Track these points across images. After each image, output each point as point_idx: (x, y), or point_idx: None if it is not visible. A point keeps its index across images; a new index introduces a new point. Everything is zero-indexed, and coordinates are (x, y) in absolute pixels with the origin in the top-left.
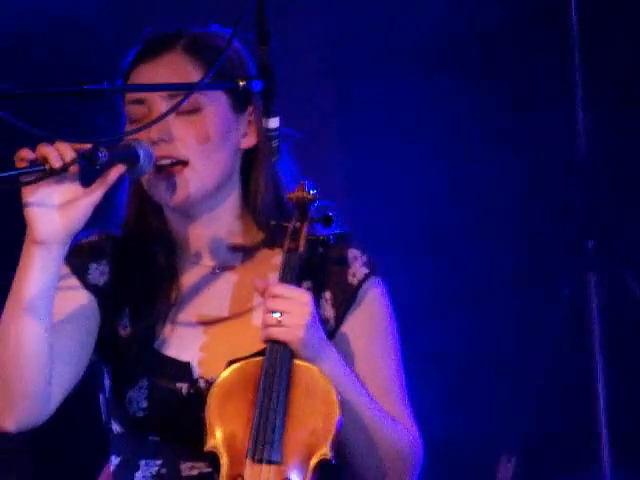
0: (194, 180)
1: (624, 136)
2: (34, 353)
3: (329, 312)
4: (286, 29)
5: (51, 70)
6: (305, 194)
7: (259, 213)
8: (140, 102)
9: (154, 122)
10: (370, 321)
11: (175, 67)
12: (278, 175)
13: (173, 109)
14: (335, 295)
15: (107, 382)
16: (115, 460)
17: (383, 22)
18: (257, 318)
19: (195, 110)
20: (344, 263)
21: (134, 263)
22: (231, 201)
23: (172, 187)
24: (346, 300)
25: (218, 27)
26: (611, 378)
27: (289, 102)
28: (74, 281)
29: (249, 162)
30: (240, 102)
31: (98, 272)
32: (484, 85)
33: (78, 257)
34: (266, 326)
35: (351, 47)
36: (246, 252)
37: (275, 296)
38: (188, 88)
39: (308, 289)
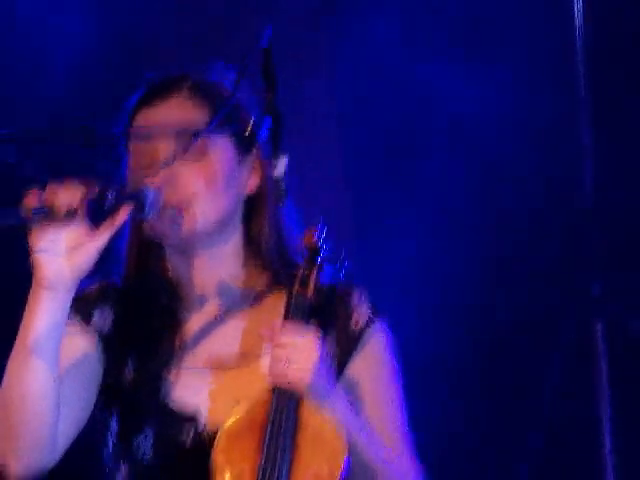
0: (198, 217)
1: (632, 182)
2: (42, 398)
3: (333, 356)
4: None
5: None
6: (315, 239)
7: (263, 257)
8: (147, 145)
9: (162, 166)
10: (373, 365)
11: (181, 110)
12: (281, 219)
13: (180, 154)
14: (339, 339)
15: (114, 426)
16: None
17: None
18: (265, 364)
19: (200, 154)
20: (347, 307)
21: (136, 310)
22: (233, 245)
23: (176, 224)
24: (349, 345)
25: (222, 67)
26: (618, 428)
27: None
28: (77, 327)
29: (250, 207)
30: (245, 145)
31: (102, 318)
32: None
33: (82, 303)
34: (274, 368)
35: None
36: (254, 297)
37: (282, 342)
38: (196, 131)
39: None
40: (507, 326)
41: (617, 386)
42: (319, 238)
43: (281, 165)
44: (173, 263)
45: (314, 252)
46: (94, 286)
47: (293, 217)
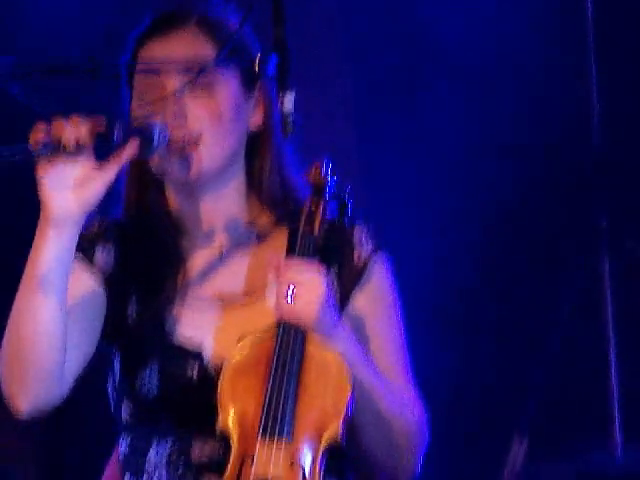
0: (206, 156)
1: (638, 118)
2: (50, 331)
3: (335, 290)
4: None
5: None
6: (322, 175)
7: (265, 194)
8: (153, 79)
9: (168, 98)
10: (377, 298)
11: (188, 43)
12: (284, 156)
13: (188, 84)
14: (341, 273)
15: (117, 365)
16: (124, 448)
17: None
18: (270, 299)
19: (208, 88)
20: (350, 242)
21: (139, 246)
22: (237, 182)
23: (185, 163)
24: (352, 278)
25: (227, 3)
26: (624, 360)
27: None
28: (80, 264)
29: (253, 143)
30: (250, 82)
31: (104, 255)
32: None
33: (83, 241)
34: (279, 303)
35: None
36: (258, 234)
37: (289, 269)
38: (204, 64)
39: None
40: (516, 263)
41: (624, 319)
42: (325, 173)
43: (288, 100)
44: (176, 199)
45: (320, 187)
46: (95, 223)
47: (296, 154)
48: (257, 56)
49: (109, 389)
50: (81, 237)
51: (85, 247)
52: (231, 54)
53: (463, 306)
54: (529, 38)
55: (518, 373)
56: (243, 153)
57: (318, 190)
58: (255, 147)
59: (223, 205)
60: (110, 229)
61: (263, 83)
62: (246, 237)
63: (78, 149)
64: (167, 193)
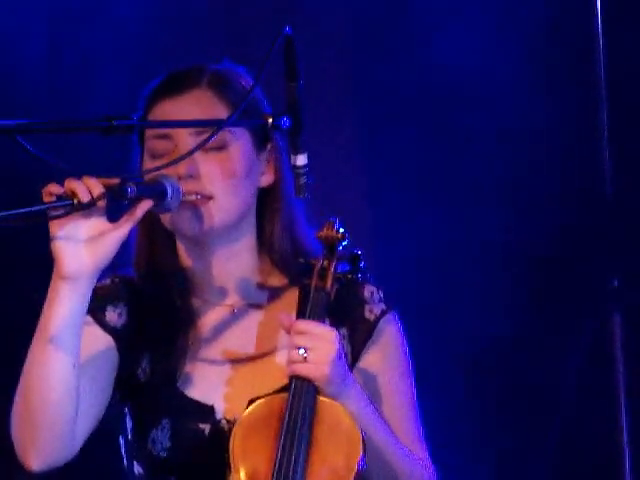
0: (218, 212)
1: None
2: (62, 389)
3: (346, 348)
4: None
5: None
6: (334, 232)
7: (275, 252)
8: (166, 137)
9: (183, 157)
10: (387, 357)
11: (201, 103)
12: (295, 215)
13: (203, 144)
14: (352, 331)
15: (129, 423)
16: None
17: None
18: (281, 357)
19: (221, 147)
20: (361, 299)
21: (150, 304)
22: (248, 239)
23: (197, 218)
24: (363, 336)
25: (235, 65)
26: (636, 420)
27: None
28: (92, 323)
29: (264, 201)
30: (261, 140)
31: (115, 314)
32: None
33: (94, 300)
34: (291, 362)
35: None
36: (269, 292)
37: (301, 332)
38: (218, 124)
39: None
40: (525, 319)
41: (635, 379)
42: (338, 231)
43: (301, 159)
44: (188, 256)
45: (333, 244)
46: (106, 281)
47: (304, 212)
48: (269, 116)
49: (121, 444)
50: (92, 296)
51: (96, 307)
52: (243, 114)
53: (472, 363)
54: (539, 86)
55: (531, 431)
56: (254, 211)
57: (330, 247)
58: (266, 204)
59: (234, 263)
60: (121, 287)
61: (274, 141)
62: (257, 295)
63: (91, 205)
64: (178, 250)
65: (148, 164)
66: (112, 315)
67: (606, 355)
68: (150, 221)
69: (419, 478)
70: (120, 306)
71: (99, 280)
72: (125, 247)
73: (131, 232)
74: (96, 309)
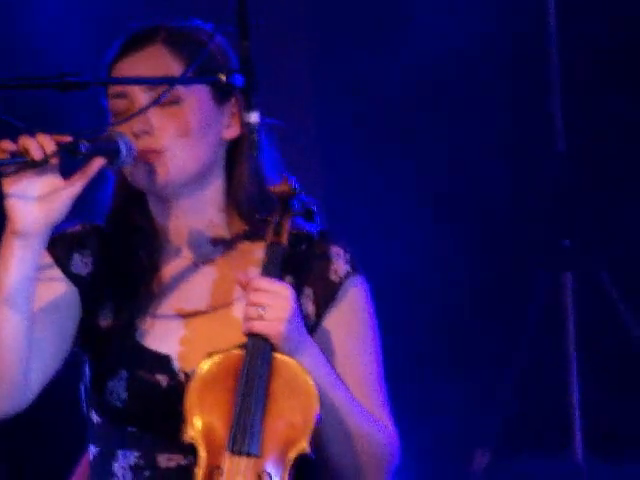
0: (174, 164)
1: (602, 136)
2: (12, 343)
3: (309, 308)
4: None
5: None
6: (288, 188)
7: (242, 205)
8: (122, 96)
9: (134, 115)
10: (350, 318)
11: (155, 60)
12: (261, 167)
13: (154, 103)
14: (316, 291)
15: (87, 372)
16: (94, 450)
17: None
18: (238, 311)
19: (175, 102)
20: (326, 260)
21: (117, 255)
22: (214, 192)
23: (152, 171)
24: (327, 297)
25: (199, 22)
26: (585, 373)
27: (269, 94)
28: (56, 271)
29: (233, 154)
30: (223, 93)
31: (81, 262)
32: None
33: (61, 247)
34: (247, 319)
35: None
36: (227, 245)
37: (257, 289)
38: (169, 81)
39: (290, 284)
40: (481, 277)
41: (585, 337)
42: (291, 186)
43: (253, 117)
44: (153, 211)
45: (286, 199)
46: (77, 227)
47: (273, 166)
48: (222, 73)
49: (81, 392)
50: (60, 241)
51: (62, 254)
52: (200, 69)
53: (427, 320)
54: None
55: (484, 387)
56: (222, 164)
57: (285, 202)
58: (234, 157)
59: (199, 216)
60: (91, 234)
61: (238, 95)
62: (218, 250)
63: (44, 162)
64: (149, 205)
65: (112, 122)
66: (78, 263)
67: (558, 311)
68: (125, 179)
69: (378, 439)
70: (87, 254)
71: (72, 224)
72: (100, 202)
73: (105, 188)
74: (62, 256)
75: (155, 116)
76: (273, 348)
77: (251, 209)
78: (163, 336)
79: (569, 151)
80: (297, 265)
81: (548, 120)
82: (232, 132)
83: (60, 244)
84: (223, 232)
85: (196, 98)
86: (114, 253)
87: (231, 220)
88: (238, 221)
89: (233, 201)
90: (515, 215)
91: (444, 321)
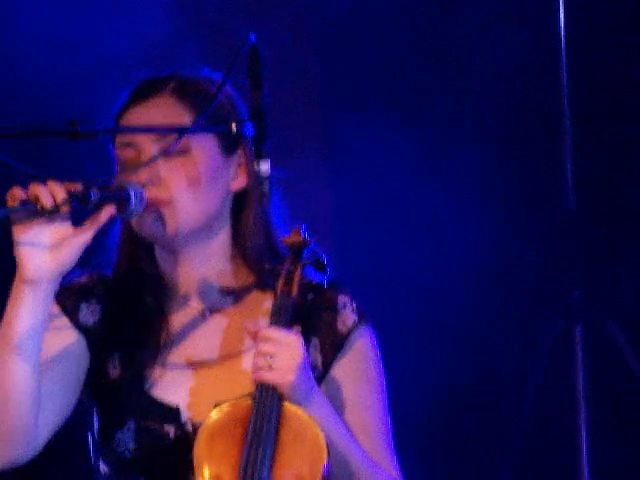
0: (180, 216)
1: (613, 188)
2: (21, 391)
3: (317, 358)
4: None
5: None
6: (300, 238)
7: (250, 255)
8: (130, 145)
9: (144, 165)
10: (358, 369)
11: (164, 110)
12: (269, 217)
13: (163, 152)
14: (323, 341)
15: (95, 421)
16: None
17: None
18: (247, 362)
19: (184, 152)
20: (333, 309)
21: (124, 305)
22: (221, 242)
23: (160, 222)
24: (334, 347)
25: (208, 71)
26: (594, 428)
27: (279, 144)
28: (64, 320)
29: (240, 204)
30: (230, 144)
31: (89, 312)
32: (470, 137)
33: (69, 297)
34: (257, 368)
35: (339, 86)
36: (237, 295)
37: (266, 339)
38: (180, 131)
39: (298, 333)
40: (490, 328)
41: (594, 388)
42: (303, 236)
43: (264, 166)
44: (161, 260)
45: (298, 250)
46: (83, 277)
47: (280, 216)
48: (233, 123)
49: (89, 440)
50: (67, 291)
51: (70, 303)
52: (209, 119)
53: (440, 369)
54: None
55: (492, 436)
56: (228, 214)
57: (296, 252)
58: (240, 208)
59: (206, 266)
60: (98, 284)
61: (245, 145)
62: (227, 300)
63: (54, 210)
64: (156, 254)
65: (118, 172)
66: (85, 313)
67: (566, 363)
68: (132, 228)
69: None
70: (94, 304)
71: (78, 275)
72: (106, 250)
73: (112, 236)
74: (70, 306)
75: (163, 166)
76: (282, 398)
77: (258, 259)
78: (172, 386)
79: (579, 207)
80: (304, 315)
81: (558, 176)
82: (239, 183)
83: (67, 294)
84: (231, 281)
85: (204, 149)
86: (122, 302)
87: (238, 269)
88: (245, 271)
89: (240, 251)
90: (525, 267)
91: (453, 370)
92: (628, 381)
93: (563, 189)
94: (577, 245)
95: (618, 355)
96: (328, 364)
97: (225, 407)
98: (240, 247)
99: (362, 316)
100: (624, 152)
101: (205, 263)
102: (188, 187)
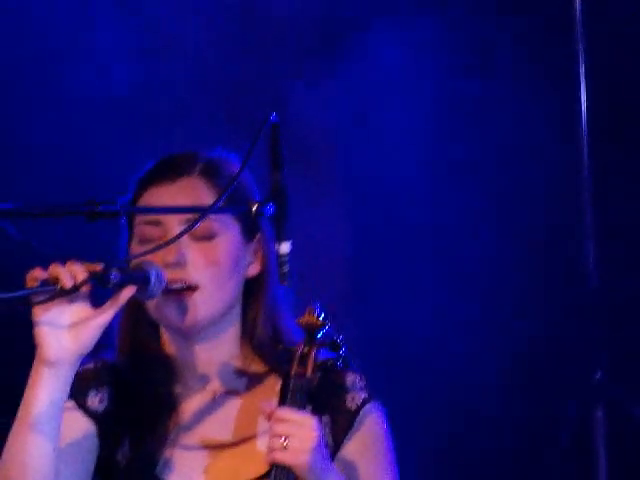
0: (204, 304)
1: (635, 268)
2: (40, 474)
3: (327, 437)
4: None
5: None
6: (315, 319)
7: (256, 340)
8: (156, 224)
9: (168, 244)
10: (369, 446)
11: (193, 191)
12: (278, 302)
13: (187, 230)
14: (333, 420)
15: None
16: None
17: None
18: (261, 445)
19: (210, 237)
20: (342, 387)
21: (132, 390)
22: (233, 328)
23: (182, 310)
24: (345, 425)
25: (231, 153)
26: None
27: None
28: (73, 407)
29: (249, 290)
30: (249, 230)
31: (97, 399)
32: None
33: (77, 384)
34: (272, 450)
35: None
36: (251, 378)
37: (281, 420)
38: (203, 210)
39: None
40: (511, 409)
41: (617, 472)
42: (317, 317)
43: (285, 247)
44: (171, 343)
45: (313, 331)
46: (89, 365)
47: (289, 301)
48: (254, 203)
49: None
50: (75, 379)
51: (78, 391)
52: (231, 202)
53: (460, 450)
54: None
55: None
56: (240, 300)
57: (311, 333)
58: (251, 294)
59: (218, 351)
60: (104, 371)
61: (262, 232)
62: (238, 382)
63: (74, 291)
64: (162, 337)
65: (135, 249)
66: (94, 400)
67: (588, 446)
68: (134, 306)
69: None
70: (102, 391)
71: (83, 363)
72: (109, 329)
73: (115, 315)
74: (78, 393)
75: (189, 249)
76: (297, 479)
77: (266, 345)
78: (184, 470)
79: (601, 286)
80: (314, 393)
81: (580, 255)
82: (254, 270)
83: (75, 382)
84: (242, 364)
85: (229, 234)
86: (130, 388)
87: (247, 354)
88: (252, 356)
89: (248, 337)
90: (547, 347)
91: (472, 450)
92: None
93: (585, 268)
94: (598, 327)
95: None
96: (339, 442)
97: None
98: (247, 332)
99: (371, 393)
100: None
101: (217, 347)
102: (212, 272)
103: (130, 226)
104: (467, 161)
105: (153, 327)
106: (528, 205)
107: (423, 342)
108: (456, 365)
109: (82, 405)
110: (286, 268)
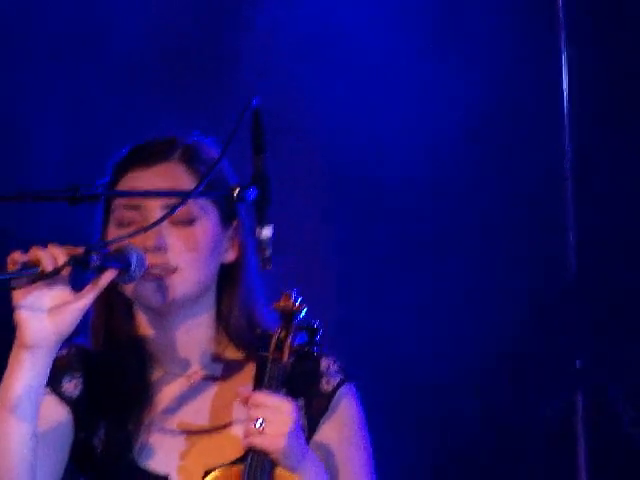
0: (180, 285)
1: (615, 257)
2: (19, 457)
3: (303, 420)
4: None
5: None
6: (291, 304)
7: (231, 326)
8: (136, 208)
9: (148, 228)
10: (343, 430)
11: (172, 176)
12: (252, 291)
13: (167, 215)
14: (309, 403)
15: None
16: None
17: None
18: (237, 429)
19: (189, 221)
20: (317, 371)
21: (106, 374)
22: (207, 313)
23: (160, 289)
24: (320, 408)
25: (210, 138)
26: None
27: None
28: (48, 393)
29: (225, 277)
30: (227, 217)
31: (71, 385)
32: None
33: (51, 370)
34: (248, 434)
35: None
36: (227, 363)
37: (258, 404)
38: (183, 195)
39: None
40: (491, 397)
41: (596, 457)
42: (294, 302)
43: (267, 232)
44: (147, 326)
45: (289, 316)
46: (62, 351)
47: (264, 289)
48: (235, 188)
49: None
50: None
51: (52, 377)
52: (211, 187)
53: (438, 434)
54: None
55: None
56: (215, 286)
57: (287, 318)
58: (226, 280)
59: (193, 335)
60: (78, 357)
61: (240, 218)
62: (214, 367)
63: (55, 274)
64: (136, 319)
65: (113, 232)
66: (68, 386)
67: (568, 433)
68: (108, 289)
69: None
70: (76, 376)
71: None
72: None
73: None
74: (53, 379)
75: (169, 234)
76: (273, 463)
77: (240, 330)
78: (161, 453)
79: (580, 275)
80: (289, 377)
81: (560, 245)
82: (229, 256)
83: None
84: (217, 349)
85: (208, 219)
86: (104, 373)
87: (220, 339)
88: (227, 341)
89: (223, 322)
90: (530, 336)
91: (453, 438)
92: (630, 451)
93: (565, 258)
94: (579, 315)
95: (619, 423)
96: (315, 425)
97: (216, 473)
98: (222, 318)
99: (345, 375)
100: (627, 220)
101: (191, 331)
102: (190, 256)
103: (107, 209)
104: (451, 152)
105: (127, 309)
106: (509, 198)
107: (410, 335)
108: (440, 353)
109: (56, 390)
110: (268, 252)
